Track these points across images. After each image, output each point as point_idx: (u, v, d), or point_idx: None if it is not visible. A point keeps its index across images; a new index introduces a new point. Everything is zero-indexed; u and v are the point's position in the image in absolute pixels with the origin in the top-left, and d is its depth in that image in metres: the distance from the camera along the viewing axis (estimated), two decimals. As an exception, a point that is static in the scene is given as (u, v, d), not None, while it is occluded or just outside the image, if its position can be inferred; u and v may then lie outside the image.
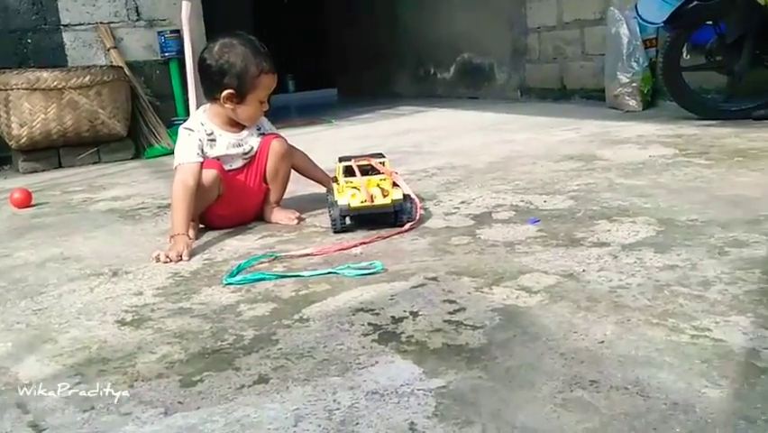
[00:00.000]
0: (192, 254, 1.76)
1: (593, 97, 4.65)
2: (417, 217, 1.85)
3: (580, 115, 4.03)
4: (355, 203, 1.81)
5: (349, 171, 1.89)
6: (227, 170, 2.02)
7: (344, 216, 1.86)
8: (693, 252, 1.43)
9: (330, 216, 1.89)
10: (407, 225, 1.82)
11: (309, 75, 10.89)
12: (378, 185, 1.84)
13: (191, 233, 1.88)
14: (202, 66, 1.97)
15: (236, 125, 2.02)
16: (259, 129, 2.07)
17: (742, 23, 3.04)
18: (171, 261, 1.69)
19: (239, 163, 2.05)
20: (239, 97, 1.94)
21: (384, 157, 1.95)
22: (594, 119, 3.81)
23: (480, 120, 4.48)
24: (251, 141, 2.05)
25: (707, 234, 1.55)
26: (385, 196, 1.83)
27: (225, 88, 1.92)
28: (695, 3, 3.15)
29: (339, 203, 1.83)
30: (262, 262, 1.63)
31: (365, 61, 8.08)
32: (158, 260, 1.71)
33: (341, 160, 1.95)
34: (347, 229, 1.87)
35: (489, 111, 4.90)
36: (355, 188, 1.83)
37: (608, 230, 1.65)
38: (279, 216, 2.06)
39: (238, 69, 1.91)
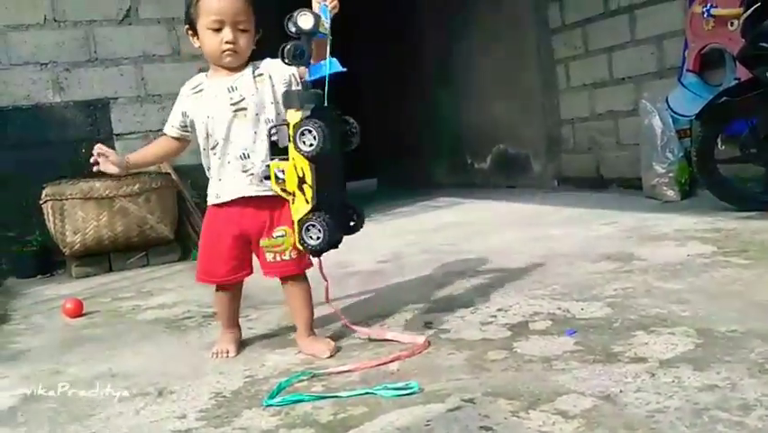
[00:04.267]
0: (233, 371, 1.81)
1: (631, 186, 4.66)
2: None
3: (618, 206, 4.04)
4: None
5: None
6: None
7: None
8: (733, 369, 1.41)
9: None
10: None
11: (350, 165, 11.12)
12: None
13: (233, 347, 2.00)
14: None
15: (232, 70, 1.88)
16: (256, 69, 1.89)
17: (773, 118, 3.06)
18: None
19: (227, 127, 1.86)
20: (193, 30, 1.88)
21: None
22: (632, 210, 3.82)
23: (516, 212, 4.51)
24: (243, 84, 1.86)
25: (747, 347, 1.53)
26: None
27: (185, 25, 1.91)
28: (724, 99, 3.20)
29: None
30: (302, 381, 1.66)
31: (403, 152, 8.27)
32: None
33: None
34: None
35: (526, 202, 4.94)
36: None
37: (646, 343, 1.65)
38: (313, 348, 1.90)
39: (186, 2, 1.89)
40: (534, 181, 5.89)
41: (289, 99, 1.73)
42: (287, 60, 1.66)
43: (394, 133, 8.52)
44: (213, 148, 1.89)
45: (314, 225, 1.70)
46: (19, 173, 4.08)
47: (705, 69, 4.04)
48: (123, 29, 4.34)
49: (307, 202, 1.70)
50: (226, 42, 1.81)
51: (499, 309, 2.11)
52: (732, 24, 3.62)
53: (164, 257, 4.02)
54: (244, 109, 1.85)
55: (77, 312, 2.75)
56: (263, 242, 1.90)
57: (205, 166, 1.96)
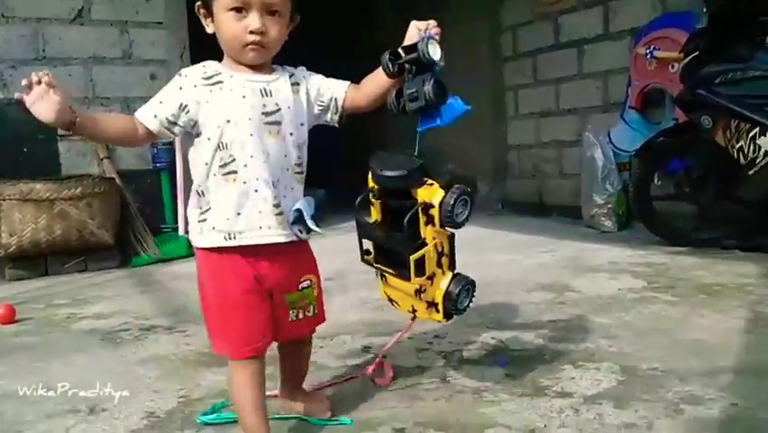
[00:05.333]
0: (167, 390, 1.79)
1: (571, 215, 4.80)
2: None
3: (558, 235, 4.16)
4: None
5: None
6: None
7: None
8: (651, 408, 1.49)
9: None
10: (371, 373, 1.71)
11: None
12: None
13: None
14: None
15: (256, 67, 1.41)
16: (292, 76, 1.46)
17: (706, 160, 3.22)
18: None
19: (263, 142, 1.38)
20: (206, 10, 1.40)
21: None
22: (570, 239, 3.94)
23: (460, 234, 4.56)
24: (279, 91, 1.42)
25: (665, 386, 1.61)
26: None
27: (197, 1, 1.42)
28: (662, 139, 3.35)
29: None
30: (237, 403, 1.67)
31: (354, 164, 8.30)
32: None
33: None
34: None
35: (471, 224, 4.99)
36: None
37: (573, 377, 1.72)
38: (312, 406, 1.60)
39: None
40: (480, 203, 6.00)
41: (435, 170, 1.47)
42: (405, 104, 1.44)
43: (346, 145, 8.56)
44: (224, 165, 1.36)
45: (466, 287, 1.53)
46: (-44, 170, 3.96)
47: (646, 106, 4.21)
48: (74, 28, 4.25)
49: (444, 273, 1.52)
50: (251, 32, 1.34)
51: (436, 336, 2.16)
52: (673, 67, 3.79)
53: (103, 263, 3.94)
54: (278, 123, 1.40)
55: (9, 318, 2.68)
56: (289, 297, 1.47)
57: (198, 188, 1.39)
